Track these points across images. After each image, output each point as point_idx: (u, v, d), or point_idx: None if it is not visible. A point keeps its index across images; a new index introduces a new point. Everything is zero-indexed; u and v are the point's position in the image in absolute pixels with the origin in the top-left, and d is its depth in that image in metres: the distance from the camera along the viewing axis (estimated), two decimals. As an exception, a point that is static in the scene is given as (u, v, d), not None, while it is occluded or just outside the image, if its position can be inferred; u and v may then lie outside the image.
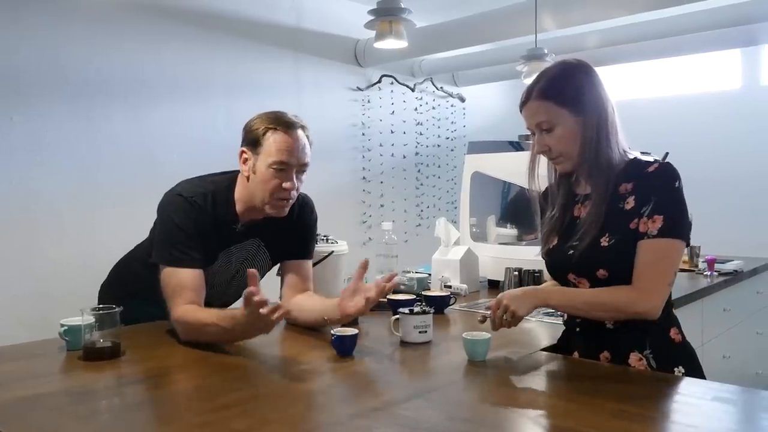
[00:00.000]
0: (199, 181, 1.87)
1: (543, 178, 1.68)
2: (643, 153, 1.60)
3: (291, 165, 1.77)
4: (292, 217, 1.91)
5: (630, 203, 1.49)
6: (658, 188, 1.46)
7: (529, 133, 1.60)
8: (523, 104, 1.56)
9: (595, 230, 1.50)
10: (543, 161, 1.63)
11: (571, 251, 1.54)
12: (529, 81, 3.31)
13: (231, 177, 1.88)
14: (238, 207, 1.84)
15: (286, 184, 1.77)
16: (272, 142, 1.75)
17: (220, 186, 1.85)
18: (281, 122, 1.78)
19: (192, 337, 1.69)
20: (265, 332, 1.56)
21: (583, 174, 1.58)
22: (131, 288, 2.00)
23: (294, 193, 1.81)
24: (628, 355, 1.51)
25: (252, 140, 1.79)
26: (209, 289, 1.83)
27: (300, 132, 1.79)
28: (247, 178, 1.81)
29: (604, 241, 1.49)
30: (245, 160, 1.81)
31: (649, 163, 1.51)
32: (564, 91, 1.51)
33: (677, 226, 1.45)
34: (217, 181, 1.87)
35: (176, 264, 1.74)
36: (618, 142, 1.53)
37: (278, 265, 2.03)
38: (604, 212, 1.50)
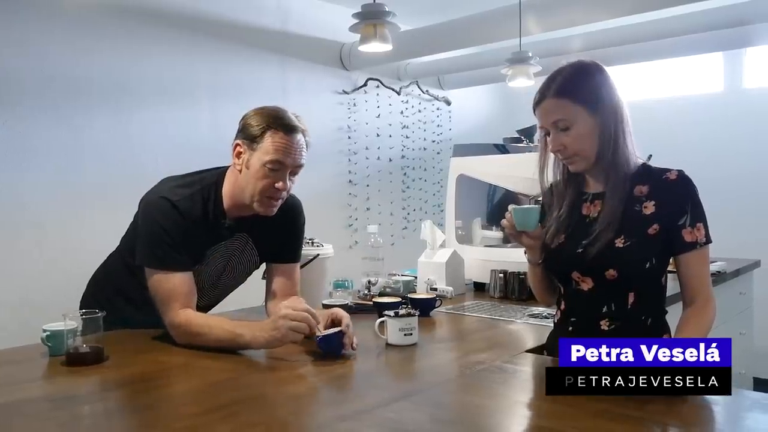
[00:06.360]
0: (184, 181, 1.84)
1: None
2: None
3: (286, 166, 1.76)
4: (279, 215, 1.89)
5: (649, 208, 1.49)
6: (690, 196, 1.49)
7: (542, 133, 1.56)
8: (538, 103, 1.53)
9: (612, 232, 1.48)
10: (551, 161, 1.60)
11: (580, 250, 1.53)
12: (514, 84, 3.38)
13: (218, 173, 1.85)
14: (226, 203, 1.82)
15: (278, 184, 1.75)
16: (271, 142, 1.74)
17: (207, 183, 1.83)
18: (282, 123, 1.76)
19: (191, 340, 1.69)
20: (281, 343, 1.61)
21: (597, 173, 1.56)
22: (116, 287, 1.96)
23: (285, 194, 1.80)
24: None
25: (249, 136, 1.76)
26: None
27: (300, 135, 1.79)
28: (240, 171, 1.79)
29: (619, 243, 1.48)
30: (239, 154, 1.78)
31: (665, 170, 1.52)
32: (581, 89, 1.49)
33: (708, 230, 1.49)
34: (204, 178, 1.85)
35: (166, 268, 1.72)
36: (632, 142, 1.53)
37: (263, 266, 2.02)
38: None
